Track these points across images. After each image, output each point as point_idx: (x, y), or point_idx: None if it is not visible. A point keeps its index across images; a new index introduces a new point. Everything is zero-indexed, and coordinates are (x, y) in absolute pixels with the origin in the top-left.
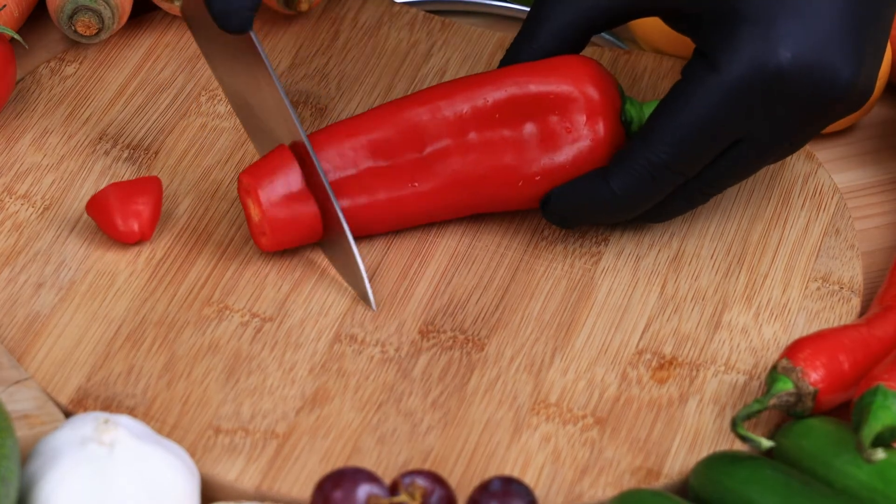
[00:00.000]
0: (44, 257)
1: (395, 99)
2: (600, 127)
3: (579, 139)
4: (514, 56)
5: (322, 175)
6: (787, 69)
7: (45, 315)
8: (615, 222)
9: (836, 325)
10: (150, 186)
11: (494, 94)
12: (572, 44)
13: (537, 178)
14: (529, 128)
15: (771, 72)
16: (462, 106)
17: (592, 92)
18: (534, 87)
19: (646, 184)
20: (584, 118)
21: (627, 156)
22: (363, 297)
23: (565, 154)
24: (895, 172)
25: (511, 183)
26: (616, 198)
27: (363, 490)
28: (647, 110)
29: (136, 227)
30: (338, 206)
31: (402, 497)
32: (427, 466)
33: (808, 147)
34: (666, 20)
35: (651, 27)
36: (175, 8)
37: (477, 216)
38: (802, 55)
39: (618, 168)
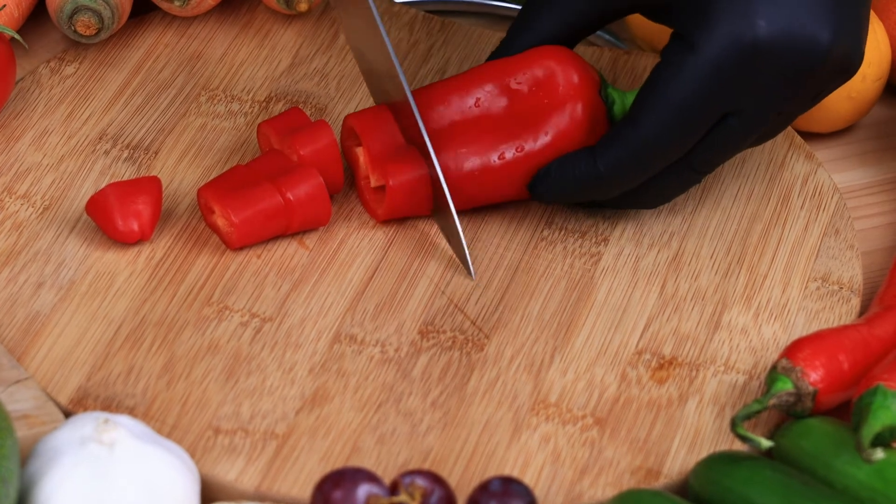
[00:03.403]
0: (44, 257)
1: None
2: (579, 107)
3: (560, 117)
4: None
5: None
6: (763, 40)
7: (44, 315)
8: (604, 199)
9: (835, 325)
10: (150, 186)
11: (477, 90)
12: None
13: (520, 155)
14: (509, 108)
15: (748, 44)
16: (442, 109)
17: (571, 73)
18: (513, 80)
19: (632, 163)
20: (563, 94)
21: (614, 136)
22: (463, 262)
23: (546, 133)
24: (895, 172)
25: (494, 166)
26: (601, 176)
27: (363, 490)
28: (630, 98)
29: (135, 226)
30: (441, 176)
31: (402, 497)
32: (427, 466)
33: (808, 147)
34: (645, 14)
35: (651, 27)
36: (174, 8)
37: (477, 215)
38: (778, 24)
39: (604, 148)
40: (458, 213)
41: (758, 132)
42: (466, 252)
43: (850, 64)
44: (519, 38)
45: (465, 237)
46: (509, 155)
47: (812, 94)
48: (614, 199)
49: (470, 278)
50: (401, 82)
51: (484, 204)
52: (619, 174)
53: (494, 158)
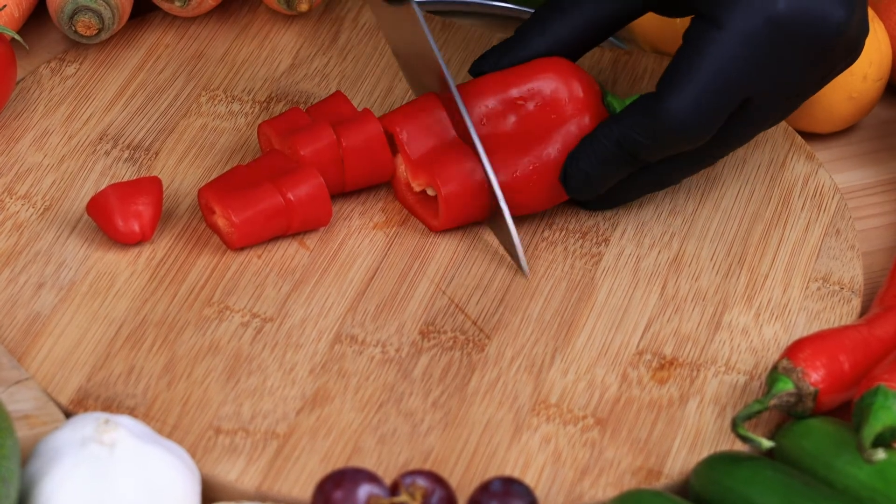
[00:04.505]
0: (44, 258)
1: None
2: (586, 118)
3: (568, 130)
4: (497, 62)
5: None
6: (784, 14)
7: (45, 315)
8: (629, 172)
9: (836, 325)
10: (150, 187)
11: (484, 102)
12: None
13: (530, 167)
14: (516, 125)
15: (771, 19)
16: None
17: (576, 86)
18: (515, 91)
19: (660, 139)
20: (570, 109)
21: (646, 107)
22: (516, 261)
23: (554, 144)
24: (895, 172)
25: (507, 181)
26: (629, 141)
27: (364, 490)
28: (629, 103)
29: (136, 227)
30: (494, 182)
31: (403, 497)
32: (427, 467)
33: (808, 147)
34: (660, 11)
35: (651, 27)
36: (175, 8)
37: None
38: (796, 1)
39: (635, 114)
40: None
41: (775, 115)
42: (519, 249)
43: (858, 44)
44: (531, 42)
45: (466, 238)
46: (522, 170)
47: (824, 75)
48: (627, 187)
49: (524, 275)
50: (444, 77)
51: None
52: (644, 146)
53: (508, 174)
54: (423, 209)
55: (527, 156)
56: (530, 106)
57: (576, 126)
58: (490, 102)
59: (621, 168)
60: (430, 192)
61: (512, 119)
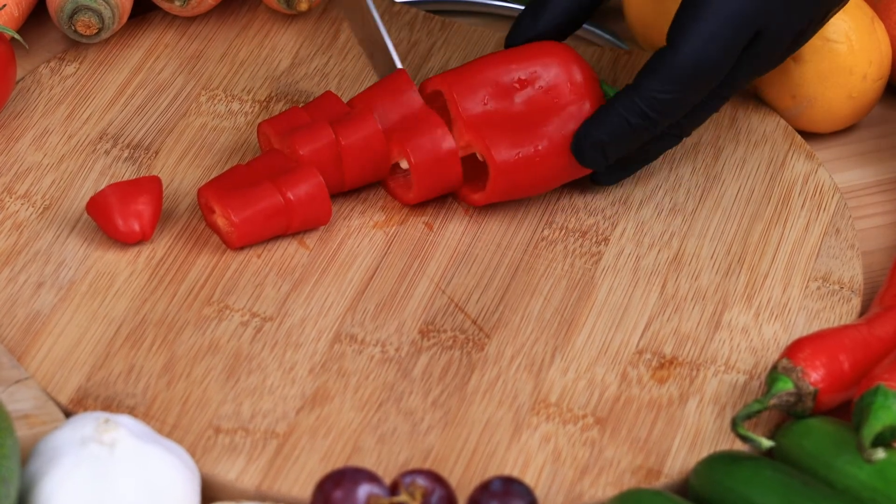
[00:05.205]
0: (44, 257)
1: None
2: (587, 105)
3: (569, 115)
4: (518, 36)
5: None
6: None
7: (45, 315)
8: (649, 138)
9: (836, 324)
10: (150, 186)
11: (485, 82)
12: (574, 21)
13: (532, 150)
14: (518, 107)
15: None
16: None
17: (576, 72)
18: (517, 73)
19: (683, 85)
20: (570, 93)
21: (661, 60)
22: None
23: (556, 127)
24: (895, 172)
25: (508, 163)
26: (650, 105)
27: (363, 490)
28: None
29: (136, 226)
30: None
31: (403, 497)
32: (427, 466)
33: (808, 147)
34: None
35: (652, 27)
36: (175, 7)
37: (478, 215)
38: None
39: (652, 73)
40: (456, 218)
41: (782, 49)
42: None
43: None
44: (536, 19)
45: (466, 237)
46: (524, 152)
47: (824, 13)
48: (644, 149)
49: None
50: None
51: (499, 200)
52: (670, 99)
53: (510, 155)
54: (398, 186)
55: (529, 137)
56: (531, 89)
57: (577, 110)
58: (492, 82)
59: (641, 135)
60: (403, 165)
61: (514, 101)
